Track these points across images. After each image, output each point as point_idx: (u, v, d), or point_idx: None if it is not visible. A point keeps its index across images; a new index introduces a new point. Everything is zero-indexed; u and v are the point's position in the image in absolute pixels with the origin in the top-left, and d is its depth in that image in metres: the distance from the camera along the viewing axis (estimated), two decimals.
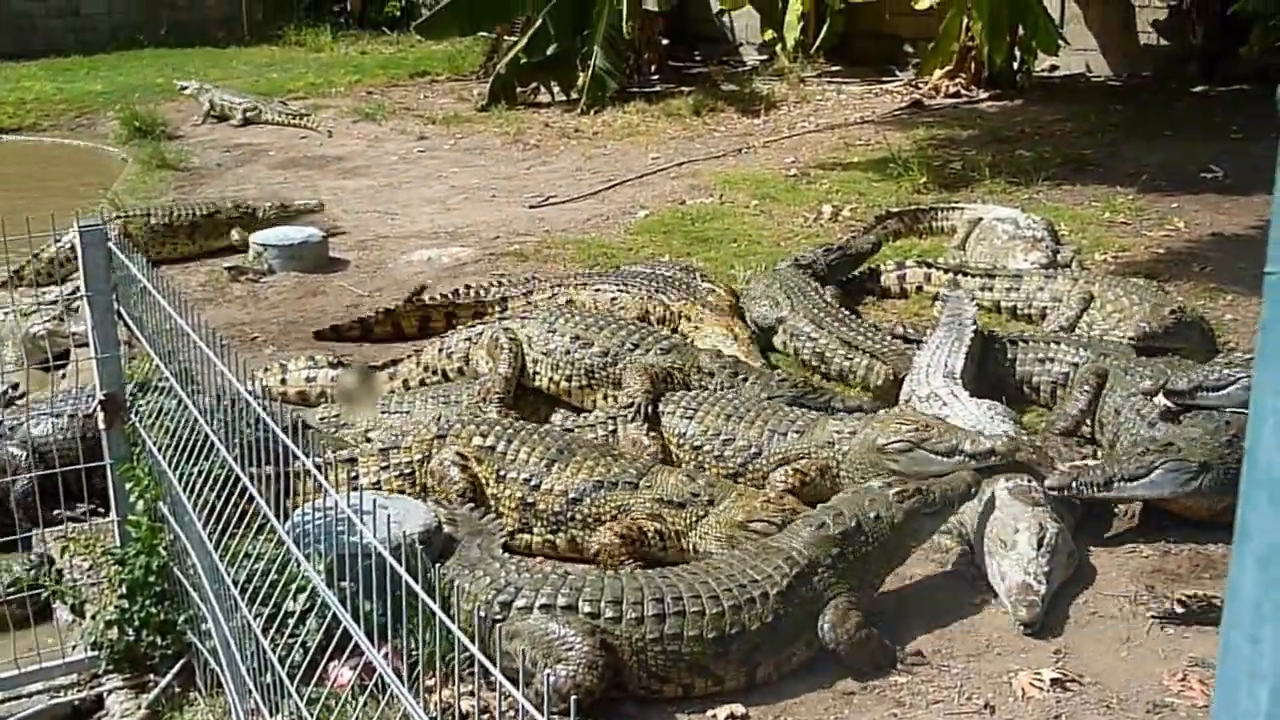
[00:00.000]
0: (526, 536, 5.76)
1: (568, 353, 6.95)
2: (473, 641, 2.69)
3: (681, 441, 6.28)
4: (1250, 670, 1.12)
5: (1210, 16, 15.47)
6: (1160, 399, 6.13)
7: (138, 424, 5.09)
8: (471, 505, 5.71)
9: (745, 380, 6.82)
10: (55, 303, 8.31)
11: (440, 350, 7.57)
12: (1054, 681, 4.77)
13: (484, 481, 5.81)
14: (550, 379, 7.01)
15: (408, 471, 6.00)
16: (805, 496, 5.77)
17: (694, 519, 5.60)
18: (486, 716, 3.89)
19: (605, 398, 6.87)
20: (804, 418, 6.23)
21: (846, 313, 7.89)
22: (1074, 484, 5.55)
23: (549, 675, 4.57)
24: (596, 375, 6.89)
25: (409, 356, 7.71)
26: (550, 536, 5.70)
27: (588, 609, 4.63)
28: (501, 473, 5.82)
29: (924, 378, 6.64)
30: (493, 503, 5.81)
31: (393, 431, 6.61)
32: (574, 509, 5.65)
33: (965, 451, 5.65)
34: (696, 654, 4.61)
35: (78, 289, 5.99)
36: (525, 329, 7.11)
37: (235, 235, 10.98)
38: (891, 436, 5.79)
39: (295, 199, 11.95)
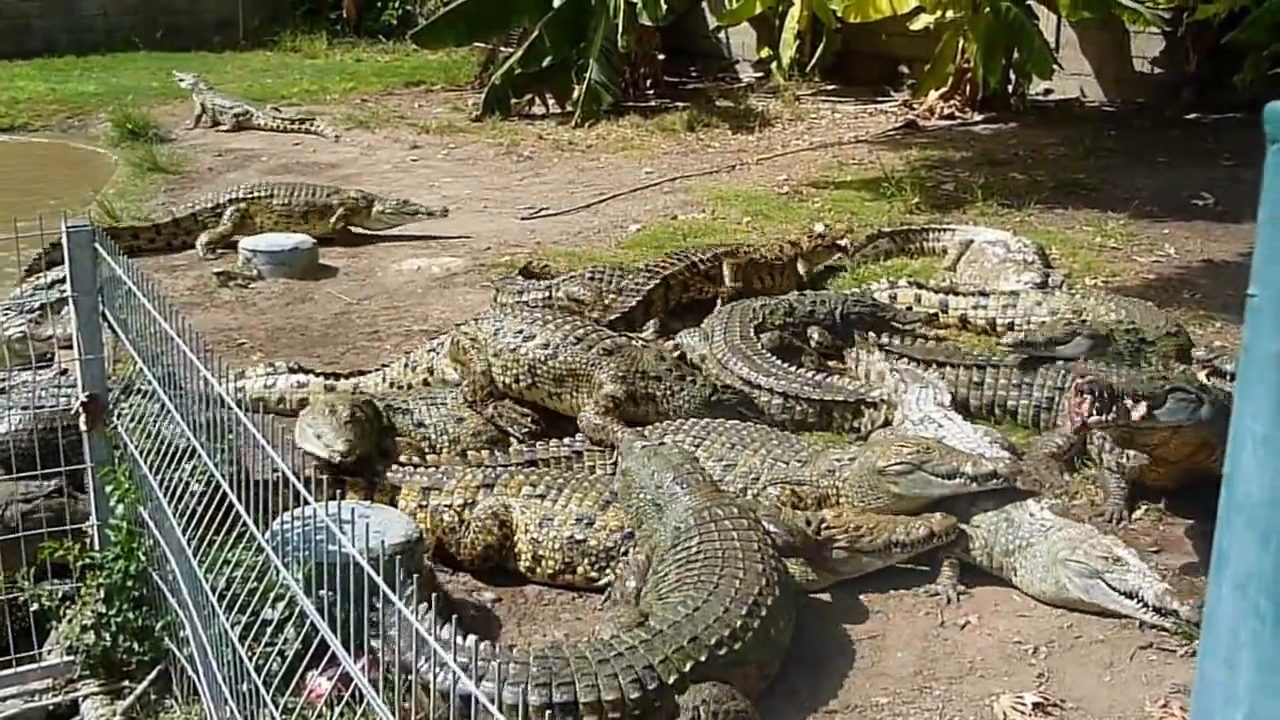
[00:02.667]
0: (569, 576, 5.69)
1: (513, 350, 6.92)
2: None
3: None
4: (1226, 696, 1.11)
5: (1206, 45, 15.52)
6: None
7: (120, 427, 5.06)
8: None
9: (693, 383, 6.81)
10: (29, 306, 8.24)
11: (405, 365, 7.58)
12: (1036, 705, 4.76)
13: (524, 529, 5.76)
14: (502, 380, 6.97)
15: (446, 517, 5.88)
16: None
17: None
18: None
19: (550, 396, 6.88)
20: (809, 448, 6.20)
21: (764, 353, 7.58)
22: (1107, 417, 5.64)
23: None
24: (539, 371, 6.86)
25: (376, 370, 7.71)
26: (596, 574, 5.62)
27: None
28: (550, 517, 5.75)
29: (915, 405, 6.62)
30: (531, 548, 5.72)
31: (440, 428, 6.80)
32: (627, 544, 5.58)
33: (966, 474, 5.62)
34: None
35: (56, 284, 5.98)
36: (480, 331, 7.10)
37: (333, 222, 11.17)
38: (892, 459, 5.74)
39: (417, 199, 11.88)
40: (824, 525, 5.56)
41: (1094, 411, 5.62)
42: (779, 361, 7.49)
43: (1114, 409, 5.64)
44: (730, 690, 4.46)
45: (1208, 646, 1.14)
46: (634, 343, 7.27)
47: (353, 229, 11.27)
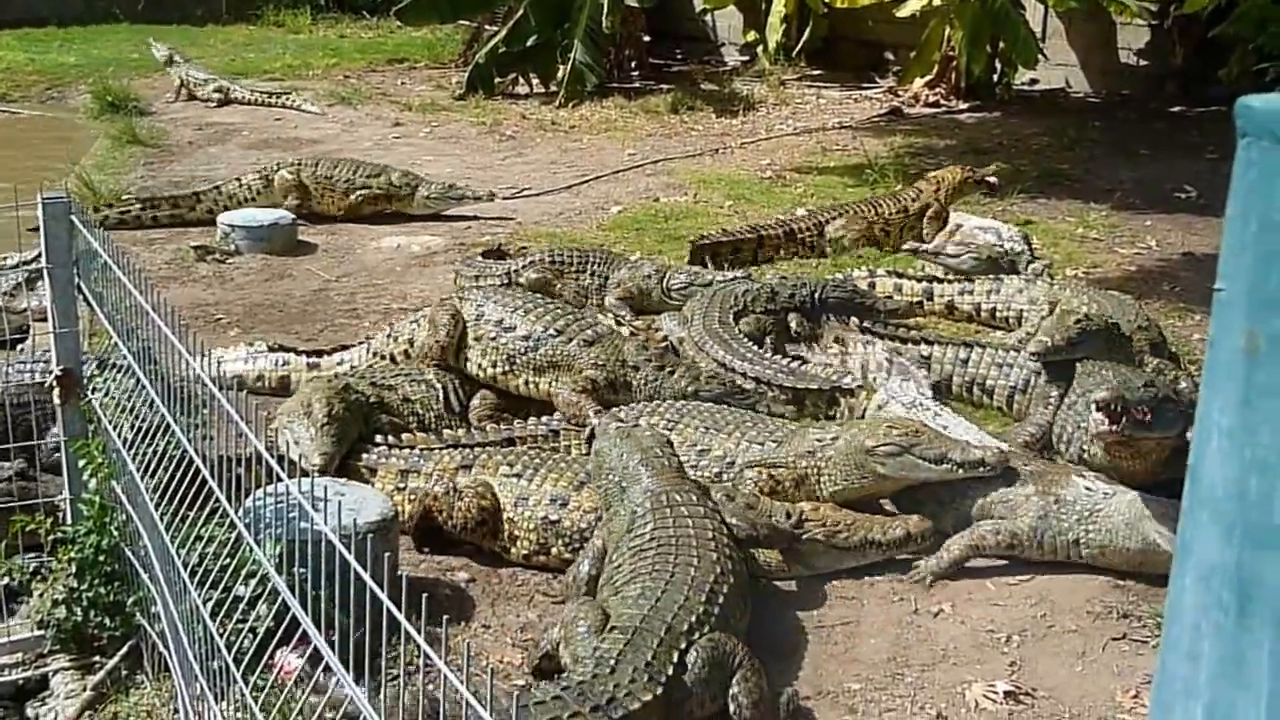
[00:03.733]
0: (544, 558, 5.67)
1: (493, 338, 6.90)
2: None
3: None
4: (1186, 688, 1.11)
5: (1192, 38, 15.56)
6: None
7: (94, 401, 5.03)
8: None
9: (672, 373, 6.79)
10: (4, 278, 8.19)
11: (389, 335, 7.52)
12: (1007, 694, 4.77)
13: (500, 508, 5.75)
14: (478, 365, 6.96)
15: (436, 489, 5.86)
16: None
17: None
18: (435, 712, 3.87)
19: (526, 384, 6.86)
20: (783, 428, 6.16)
21: (741, 338, 7.55)
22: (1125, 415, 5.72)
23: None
24: (518, 361, 6.85)
25: (360, 343, 7.64)
26: (570, 555, 5.58)
27: None
28: (525, 496, 5.75)
29: (899, 389, 6.61)
30: (507, 528, 5.72)
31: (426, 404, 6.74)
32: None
33: (954, 460, 5.61)
34: None
35: (35, 259, 5.94)
36: (464, 308, 7.09)
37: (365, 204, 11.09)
38: (881, 439, 5.69)
39: (462, 183, 11.75)
40: (802, 518, 5.56)
41: (1118, 427, 5.74)
42: (755, 347, 7.48)
43: (1127, 421, 5.74)
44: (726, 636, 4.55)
45: (1170, 639, 1.15)
46: (619, 331, 7.26)
47: (392, 210, 11.14)
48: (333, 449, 5.93)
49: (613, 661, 4.30)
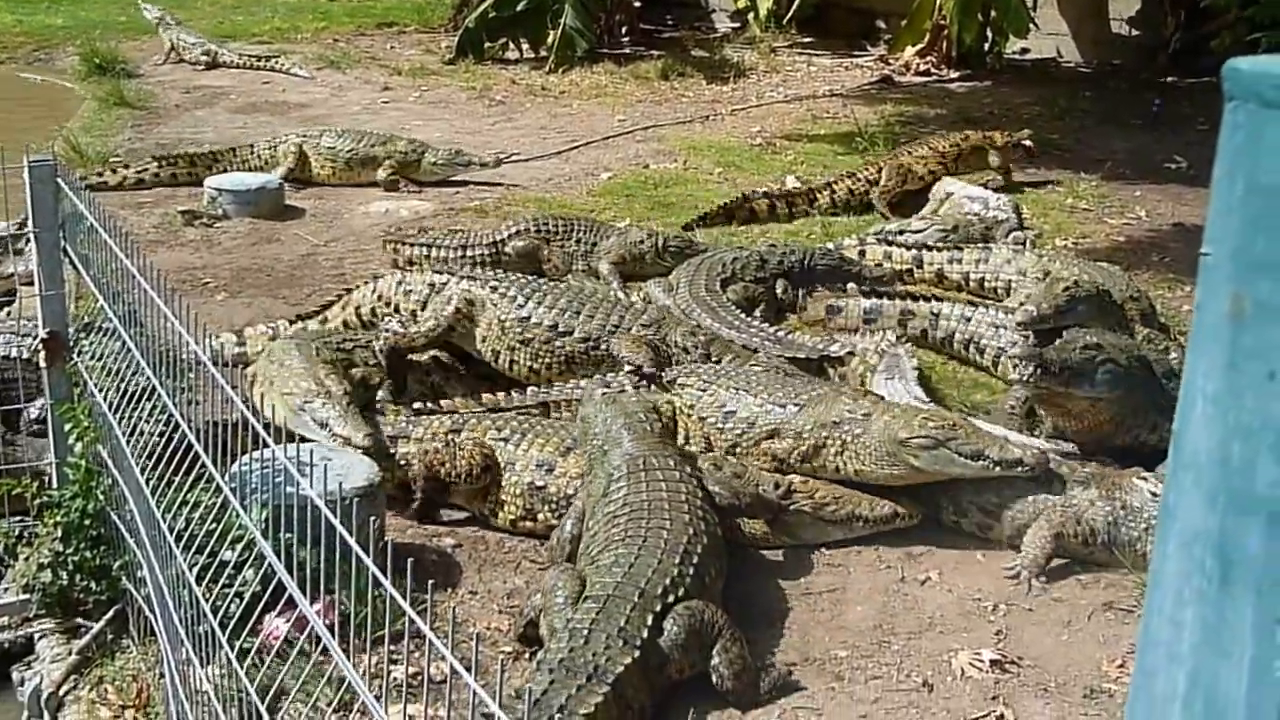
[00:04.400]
0: (530, 524, 5.67)
1: (546, 341, 6.67)
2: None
3: (691, 413, 6.12)
4: (1169, 654, 1.11)
5: (1184, 8, 15.50)
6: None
7: (80, 365, 5.01)
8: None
9: (719, 360, 6.64)
10: None
11: (372, 292, 7.34)
12: (993, 662, 4.79)
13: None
14: (508, 358, 6.75)
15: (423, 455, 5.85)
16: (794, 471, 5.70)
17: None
18: (420, 678, 3.88)
19: (560, 375, 6.70)
20: (809, 391, 5.94)
21: (728, 305, 7.57)
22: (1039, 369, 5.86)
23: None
24: (577, 361, 6.69)
25: (339, 302, 7.46)
26: (557, 521, 5.56)
27: None
28: (512, 461, 5.73)
29: (885, 390, 6.43)
30: (494, 493, 5.73)
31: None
32: None
33: (991, 458, 5.35)
34: None
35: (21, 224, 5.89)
36: (492, 304, 6.83)
37: (382, 174, 10.96)
38: (915, 430, 5.44)
39: (468, 150, 11.62)
40: (790, 489, 5.56)
41: (1029, 375, 5.83)
42: (741, 314, 7.46)
43: (1038, 370, 5.81)
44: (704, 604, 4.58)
45: (1153, 604, 1.14)
46: (671, 316, 7.18)
47: (402, 181, 11.01)
48: (369, 424, 5.85)
49: (586, 632, 4.32)
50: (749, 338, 7.14)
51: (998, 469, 5.35)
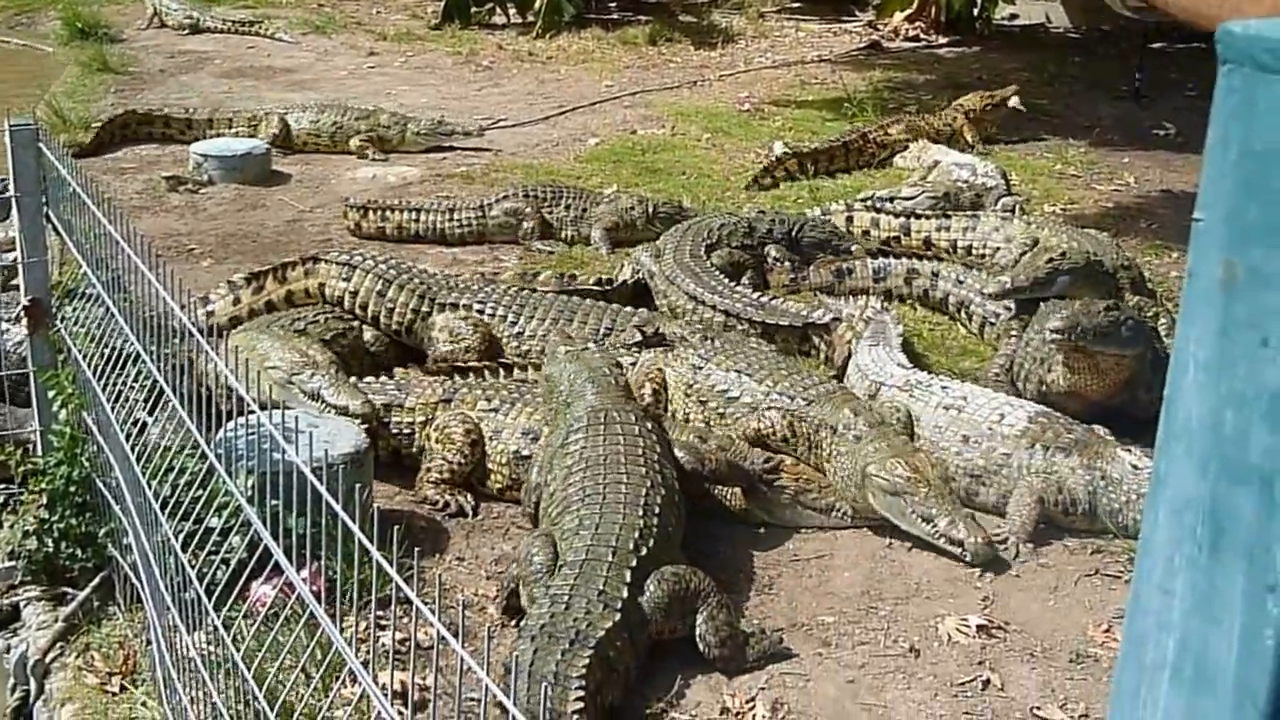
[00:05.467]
0: (517, 492, 5.63)
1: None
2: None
3: (689, 393, 6.10)
4: (1159, 622, 1.10)
5: None
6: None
7: (63, 331, 4.98)
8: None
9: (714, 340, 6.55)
10: None
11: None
12: (980, 628, 4.81)
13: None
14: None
15: (407, 432, 5.85)
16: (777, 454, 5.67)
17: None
18: (407, 643, 3.88)
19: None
20: (817, 387, 5.89)
21: (712, 271, 7.51)
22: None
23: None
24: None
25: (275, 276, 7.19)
26: None
27: None
28: (500, 430, 5.73)
29: (881, 369, 6.29)
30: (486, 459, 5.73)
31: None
32: None
33: (938, 528, 5.21)
34: None
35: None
36: (479, 316, 6.81)
37: (354, 143, 10.87)
38: (882, 471, 5.34)
39: (451, 119, 11.56)
40: (779, 466, 5.55)
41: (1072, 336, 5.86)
42: (726, 280, 7.44)
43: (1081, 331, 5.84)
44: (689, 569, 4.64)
45: (1143, 572, 1.14)
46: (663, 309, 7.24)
47: (370, 150, 10.90)
48: (361, 393, 5.81)
49: (566, 598, 4.35)
50: (732, 303, 7.13)
51: (941, 540, 5.21)
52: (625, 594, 4.42)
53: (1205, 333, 1.05)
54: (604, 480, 4.92)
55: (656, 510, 4.82)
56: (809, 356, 6.87)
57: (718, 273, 7.49)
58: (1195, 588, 1.05)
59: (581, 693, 4.04)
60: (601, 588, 4.41)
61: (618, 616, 4.33)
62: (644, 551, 4.61)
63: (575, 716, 4.00)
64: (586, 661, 4.12)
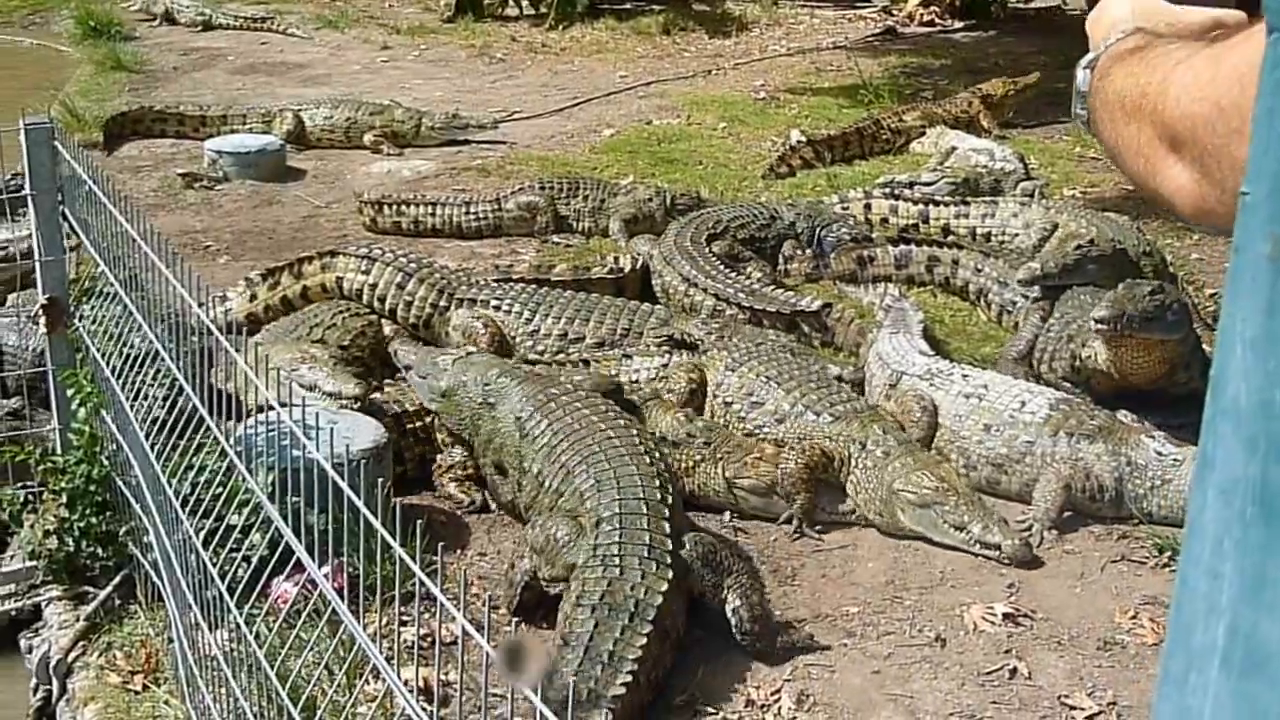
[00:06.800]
0: None
1: (559, 352, 6.49)
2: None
3: (718, 393, 6.05)
4: (1209, 606, 1.07)
5: None
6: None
7: (81, 330, 4.97)
8: None
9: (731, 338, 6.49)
10: None
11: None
12: (1006, 616, 4.77)
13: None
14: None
15: (423, 436, 5.83)
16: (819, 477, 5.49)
17: (690, 463, 5.55)
18: (430, 639, 3.86)
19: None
20: (848, 403, 5.78)
21: (709, 256, 7.47)
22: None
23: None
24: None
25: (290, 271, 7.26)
26: None
27: None
28: None
29: (902, 358, 6.22)
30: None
31: None
32: None
33: (973, 534, 5.15)
34: None
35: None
36: (495, 314, 6.83)
37: (368, 138, 10.85)
38: (909, 485, 5.27)
39: (467, 113, 11.50)
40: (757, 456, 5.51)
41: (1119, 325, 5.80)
42: (720, 265, 7.40)
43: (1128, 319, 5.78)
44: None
45: (1190, 555, 1.11)
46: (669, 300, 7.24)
47: (384, 146, 10.86)
48: (354, 378, 5.78)
49: (618, 558, 4.40)
50: (722, 288, 7.11)
51: (976, 546, 5.15)
52: (670, 545, 4.49)
53: (1252, 310, 1.02)
54: (594, 442, 4.95)
55: (657, 459, 4.93)
56: (829, 346, 6.84)
57: (714, 258, 7.46)
58: (1244, 571, 1.02)
59: (630, 677, 4.08)
60: (649, 542, 4.47)
61: (670, 575, 4.39)
62: (670, 499, 4.69)
63: (616, 700, 4.02)
64: (644, 640, 4.18)
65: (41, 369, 5.24)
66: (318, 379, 5.73)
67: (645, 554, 4.43)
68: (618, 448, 4.92)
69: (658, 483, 4.76)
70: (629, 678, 4.07)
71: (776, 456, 5.44)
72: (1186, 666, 1.09)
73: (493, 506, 5.54)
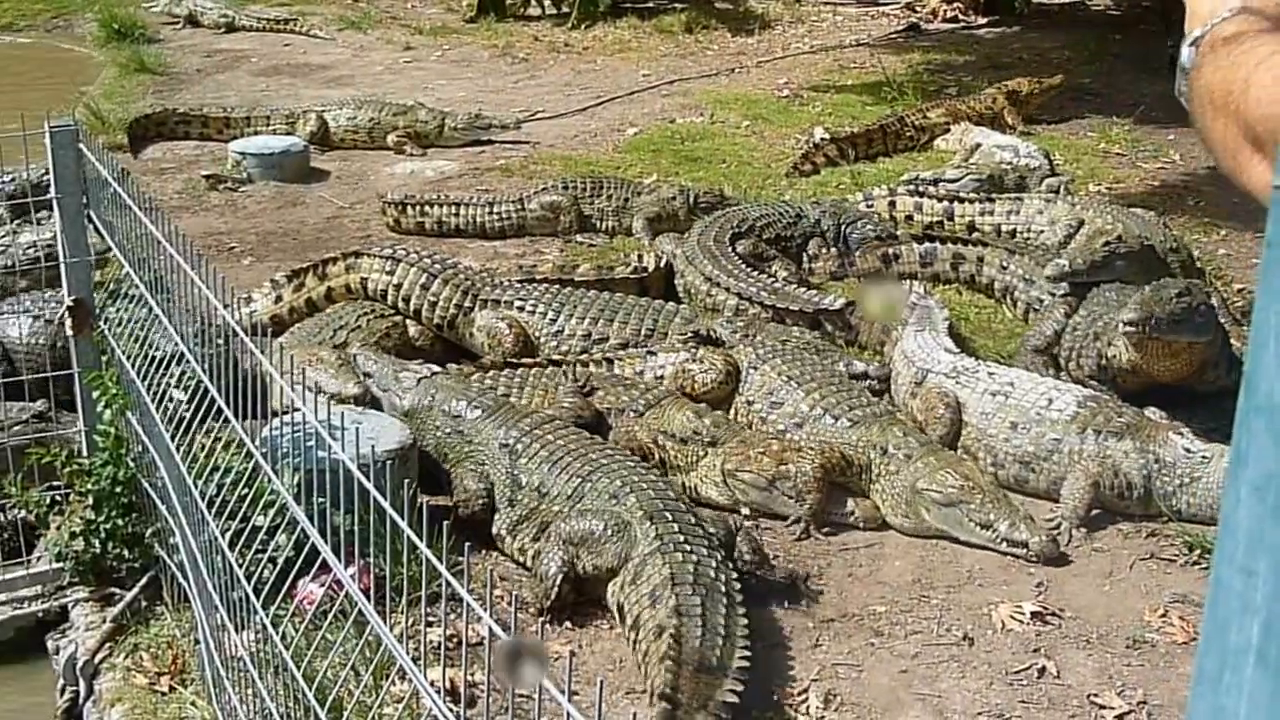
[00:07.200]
0: None
1: (582, 352, 6.52)
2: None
3: (741, 391, 6.04)
4: (1243, 604, 1.05)
5: None
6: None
7: (106, 332, 4.98)
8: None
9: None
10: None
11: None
12: (1034, 614, 4.74)
13: None
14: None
15: None
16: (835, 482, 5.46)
17: (695, 458, 5.56)
18: (456, 639, 3.86)
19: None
20: (867, 408, 5.74)
21: (731, 255, 7.45)
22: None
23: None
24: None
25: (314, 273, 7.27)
26: None
27: None
28: None
29: (928, 356, 6.18)
30: None
31: None
32: None
33: (1000, 532, 5.10)
34: None
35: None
36: (519, 314, 6.81)
37: (392, 139, 10.88)
38: (933, 484, 5.26)
39: (489, 113, 11.52)
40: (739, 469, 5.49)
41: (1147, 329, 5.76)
42: (742, 264, 7.38)
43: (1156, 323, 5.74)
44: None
45: (1224, 552, 1.08)
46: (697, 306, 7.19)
47: (408, 146, 10.88)
48: (353, 377, 5.82)
49: (688, 544, 4.58)
50: (745, 286, 7.09)
51: (1003, 544, 5.12)
52: (714, 530, 4.77)
53: None
54: (598, 454, 5.11)
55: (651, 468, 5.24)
56: (853, 345, 6.80)
57: (736, 258, 7.44)
58: (1279, 568, 1.00)
59: (747, 650, 4.26)
60: (702, 531, 4.70)
61: (722, 555, 4.63)
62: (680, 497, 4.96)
63: (743, 672, 4.19)
64: (746, 618, 4.38)
65: (68, 371, 5.25)
66: (321, 379, 5.76)
67: (705, 540, 4.63)
68: (621, 458, 5.11)
69: (664, 483, 4.99)
70: (746, 651, 4.25)
71: (781, 453, 5.43)
72: (1221, 665, 1.07)
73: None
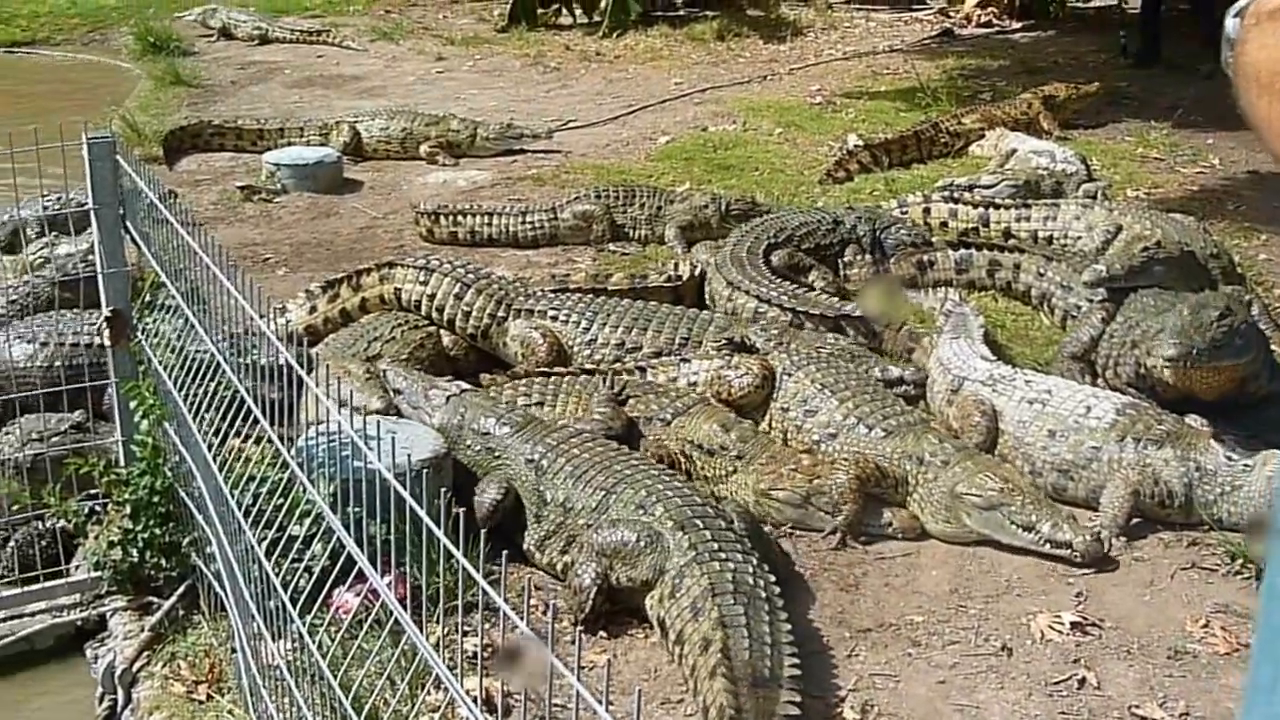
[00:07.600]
0: None
1: (615, 360, 6.51)
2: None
3: (775, 398, 6.00)
4: None
5: None
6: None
7: (144, 342, 5.01)
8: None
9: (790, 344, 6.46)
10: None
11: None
12: (1074, 625, 4.69)
13: None
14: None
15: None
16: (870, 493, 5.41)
17: (723, 471, 5.54)
18: (491, 648, 3.85)
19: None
20: (901, 417, 5.69)
21: (759, 264, 7.42)
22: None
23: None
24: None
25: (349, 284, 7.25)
26: None
27: None
28: None
29: (964, 363, 6.14)
30: None
31: None
32: None
33: (1042, 534, 5.05)
34: None
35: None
36: (553, 324, 6.82)
37: (425, 149, 10.94)
38: (973, 488, 5.22)
39: (521, 122, 11.62)
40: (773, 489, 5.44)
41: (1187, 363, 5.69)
42: (766, 271, 7.37)
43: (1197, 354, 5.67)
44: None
45: (1277, 562, 1.06)
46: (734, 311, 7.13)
47: (440, 155, 10.94)
48: (378, 389, 5.81)
49: (721, 553, 4.56)
50: (765, 291, 7.08)
51: (1046, 546, 5.07)
52: (746, 535, 4.78)
53: None
54: (624, 466, 5.08)
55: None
56: (877, 352, 6.74)
57: (764, 266, 7.41)
58: None
59: (797, 659, 4.24)
60: (734, 539, 4.67)
61: (756, 556, 4.63)
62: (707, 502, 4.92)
63: (796, 681, 4.17)
64: (789, 625, 4.35)
65: (104, 382, 5.28)
66: (345, 393, 5.73)
67: (739, 545, 4.63)
68: (646, 468, 5.10)
69: (690, 489, 4.98)
70: (795, 659, 4.23)
71: (813, 469, 5.41)
72: (1275, 675, 1.05)
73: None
